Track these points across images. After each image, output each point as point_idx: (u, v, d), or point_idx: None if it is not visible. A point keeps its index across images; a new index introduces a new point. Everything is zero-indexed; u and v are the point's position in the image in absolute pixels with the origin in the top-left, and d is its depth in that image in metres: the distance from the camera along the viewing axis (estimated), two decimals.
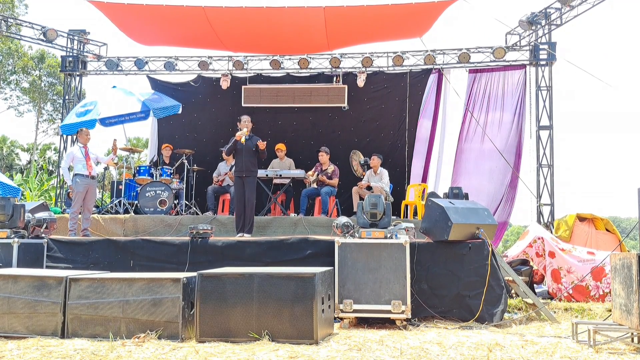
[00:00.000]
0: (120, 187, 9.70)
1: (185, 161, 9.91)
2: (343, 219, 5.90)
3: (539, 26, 10.45)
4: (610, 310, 5.26)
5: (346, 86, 11.16)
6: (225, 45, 11.02)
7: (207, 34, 10.51)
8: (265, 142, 7.47)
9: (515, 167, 10.58)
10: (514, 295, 6.93)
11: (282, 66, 11.38)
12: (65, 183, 11.61)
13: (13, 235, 6.15)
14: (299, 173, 9.19)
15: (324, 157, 9.52)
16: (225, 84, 11.34)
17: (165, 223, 8.48)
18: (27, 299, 4.65)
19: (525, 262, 7.88)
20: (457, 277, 5.72)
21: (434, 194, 7.75)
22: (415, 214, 9.28)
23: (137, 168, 9.76)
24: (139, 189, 9.30)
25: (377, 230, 5.56)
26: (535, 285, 7.81)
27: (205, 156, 10.98)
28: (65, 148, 11.63)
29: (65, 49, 11.87)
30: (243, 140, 7.37)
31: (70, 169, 8.15)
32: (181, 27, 10.53)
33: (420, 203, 9.11)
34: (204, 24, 10.10)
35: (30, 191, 18.36)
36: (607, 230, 8.80)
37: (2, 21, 11.61)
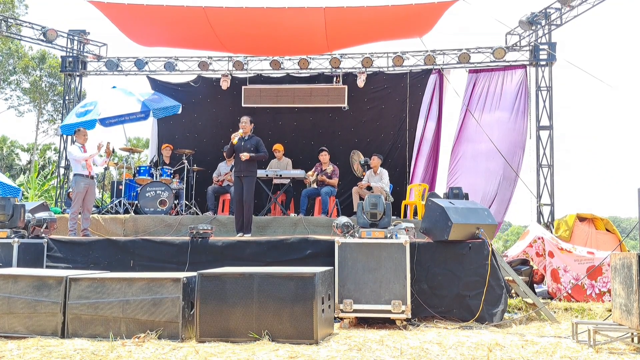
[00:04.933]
0: (120, 187, 9.71)
1: (186, 161, 9.92)
2: (343, 219, 5.90)
3: (539, 26, 10.45)
4: (610, 310, 5.26)
5: (346, 86, 11.16)
6: (225, 46, 11.01)
7: (207, 35, 10.50)
8: (249, 155, 7.31)
9: (515, 168, 10.57)
10: (514, 295, 6.93)
11: (282, 66, 11.38)
12: (66, 183, 11.63)
13: (13, 235, 6.15)
14: (298, 173, 9.19)
15: (325, 157, 9.52)
16: (225, 84, 11.35)
17: (165, 223, 8.48)
18: (27, 299, 4.65)
19: (525, 262, 7.89)
20: (457, 277, 5.72)
21: (434, 194, 7.75)
22: (415, 214, 9.28)
23: (137, 168, 9.77)
24: (139, 189, 9.30)
25: (377, 230, 5.56)
26: (535, 285, 7.81)
27: (206, 156, 10.98)
28: (65, 148, 11.63)
29: (65, 49, 11.87)
30: (235, 141, 7.37)
31: (69, 168, 8.14)
32: (181, 27, 10.52)
33: (420, 203, 9.11)
34: (204, 24, 10.09)
35: (28, 191, 18.34)
36: (607, 230, 8.80)
37: (2, 21, 11.62)
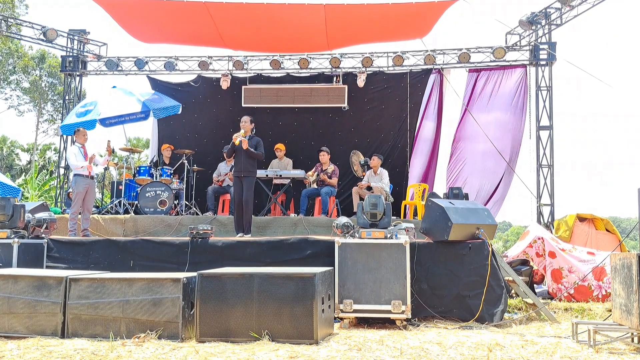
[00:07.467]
0: (120, 187, 9.71)
1: (186, 161, 9.92)
2: (343, 219, 5.90)
3: (539, 26, 10.45)
4: (610, 310, 5.26)
5: (346, 86, 11.17)
6: (225, 42, 11.01)
7: (208, 31, 10.51)
8: (247, 141, 7.32)
9: (513, 166, 10.57)
10: (514, 295, 6.93)
11: (282, 66, 11.38)
12: (66, 183, 11.63)
13: (13, 235, 6.15)
14: (299, 173, 9.19)
15: (325, 157, 9.53)
16: (225, 84, 11.35)
17: (165, 223, 8.49)
18: (27, 299, 4.65)
19: (525, 262, 7.88)
20: (457, 277, 5.72)
21: (434, 194, 7.75)
22: (415, 214, 9.28)
23: (137, 168, 9.77)
24: (139, 189, 9.30)
25: (377, 230, 5.55)
26: (535, 285, 7.81)
27: (206, 156, 10.98)
28: (65, 148, 11.63)
29: (65, 49, 11.87)
30: (237, 142, 7.38)
31: (69, 168, 8.15)
32: (182, 23, 10.52)
33: (420, 203, 9.11)
34: (205, 19, 10.09)
35: (28, 192, 18.33)
36: (607, 230, 8.80)
37: (2, 21, 11.62)
